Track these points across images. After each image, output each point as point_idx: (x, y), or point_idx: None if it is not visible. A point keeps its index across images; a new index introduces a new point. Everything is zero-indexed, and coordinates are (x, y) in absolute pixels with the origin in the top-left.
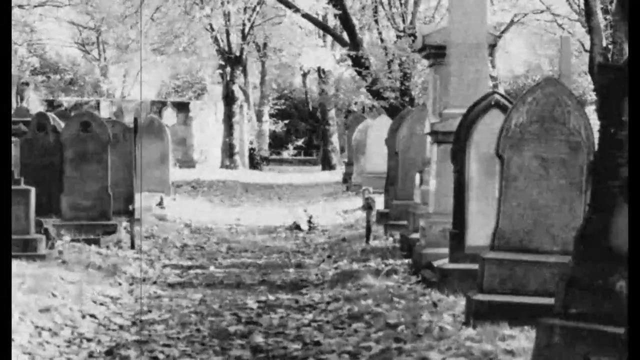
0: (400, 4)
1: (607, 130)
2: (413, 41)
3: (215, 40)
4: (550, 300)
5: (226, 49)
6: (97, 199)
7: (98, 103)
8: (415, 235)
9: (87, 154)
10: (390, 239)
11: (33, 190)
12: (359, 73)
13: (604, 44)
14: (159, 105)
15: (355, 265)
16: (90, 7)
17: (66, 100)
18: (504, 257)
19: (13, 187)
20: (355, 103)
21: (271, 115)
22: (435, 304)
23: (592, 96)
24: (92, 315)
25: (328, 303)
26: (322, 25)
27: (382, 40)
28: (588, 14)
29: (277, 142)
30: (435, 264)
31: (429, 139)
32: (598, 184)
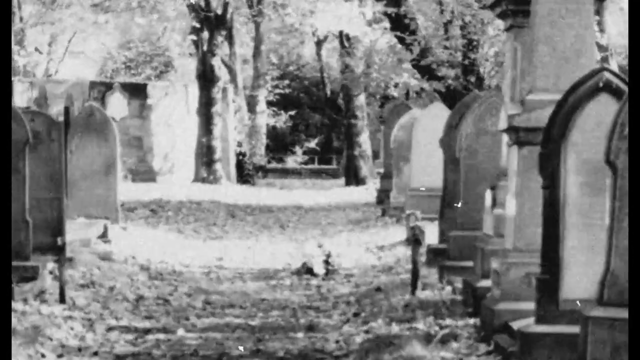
0: None
1: None
2: None
3: None
4: None
5: (202, 3)
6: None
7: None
8: (486, 283)
9: None
10: (448, 288)
11: None
12: (402, 40)
13: None
14: (102, 89)
15: (395, 328)
16: None
17: None
18: (618, 316)
19: None
20: (396, 85)
21: (270, 104)
22: None
23: None
24: None
25: None
26: None
27: None
28: None
29: (279, 144)
30: (515, 325)
31: (505, 138)
32: None
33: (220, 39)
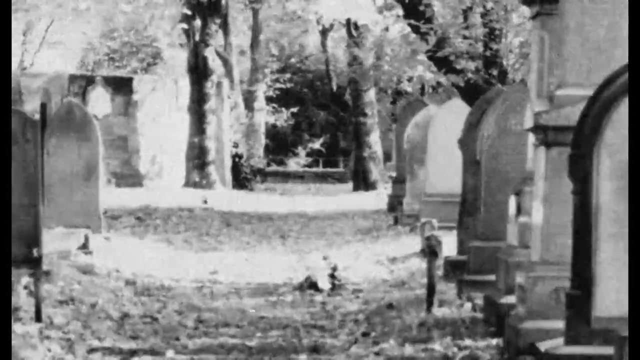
0: None
1: None
2: None
3: None
4: None
5: None
6: None
7: None
8: (509, 299)
9: None
10: (467, 304)
11: None
12: (416, 29)
13: None
14: (83, 83)
15: (409, 349)
16: None
17: None
18: None
19: None
20: (409, 79)
21: (269, 100)
22: None
23: None
24: None
25: None
26: None
27: None
28: None
29: (280, 145)
30: (542, 346)
31: (531, 138)
32: None
33: (214, 27)
